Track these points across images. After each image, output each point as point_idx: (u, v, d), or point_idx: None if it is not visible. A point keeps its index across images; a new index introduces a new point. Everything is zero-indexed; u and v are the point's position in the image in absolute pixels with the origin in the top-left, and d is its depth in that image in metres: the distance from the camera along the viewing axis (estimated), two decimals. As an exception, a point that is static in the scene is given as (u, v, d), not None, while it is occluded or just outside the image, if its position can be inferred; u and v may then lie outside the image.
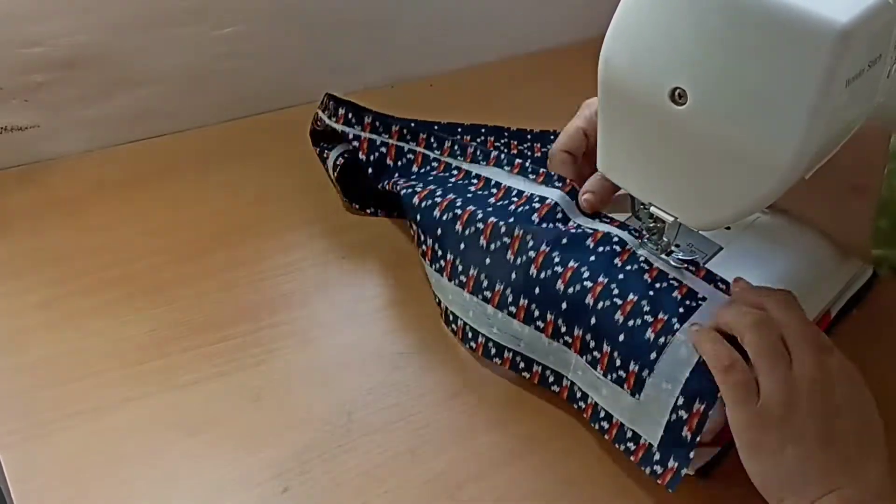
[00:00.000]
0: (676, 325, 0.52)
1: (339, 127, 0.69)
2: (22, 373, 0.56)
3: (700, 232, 0.58)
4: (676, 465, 0.50)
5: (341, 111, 0.69)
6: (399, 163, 0.69)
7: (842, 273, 0.62)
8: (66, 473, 0.51)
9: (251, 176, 0.74)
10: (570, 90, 0.87)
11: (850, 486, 0.45)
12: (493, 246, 0.59)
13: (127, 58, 0.73)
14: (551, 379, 0.57)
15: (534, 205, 0.61)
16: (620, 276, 0.54)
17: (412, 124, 0.80)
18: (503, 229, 0.59)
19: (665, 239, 0.55)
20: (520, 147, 0.80)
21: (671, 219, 0.52)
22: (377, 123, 0.69)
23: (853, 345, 0.62)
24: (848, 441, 0.46)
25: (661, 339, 0.51)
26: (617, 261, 0.56)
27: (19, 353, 0.57)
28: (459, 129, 0.80)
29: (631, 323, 0.52)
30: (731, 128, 0.44)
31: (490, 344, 0.59)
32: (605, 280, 0.54)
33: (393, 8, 0.84)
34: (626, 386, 0.52)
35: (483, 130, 0.81)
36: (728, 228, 0.59)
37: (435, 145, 0.69)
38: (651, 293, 0.53)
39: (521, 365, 0.58)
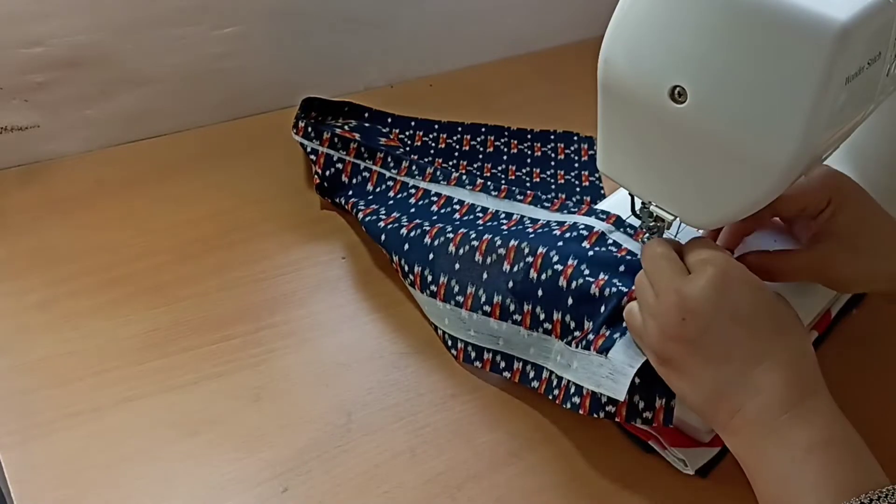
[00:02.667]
0: None
1: (298, 139, 0.71)
2: (22, 373, 0.56)
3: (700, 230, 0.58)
4: (664, 400, 0.51)
5: (301, 124, 0.71)
6: (354, 180, 0.70)
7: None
8: (66, 473, 0.51)
9: (251, 176, 0.74)
10: (570, 90, 0.88)
11: (748, 402, 0.44)
12: (461, 251, 0.59)
13: (127, 58, 0.73)
14: (532, 374, 0.57)
15: (501, 220, 0.62)
16: (590, 254, 0.55)
17: (412, 123, 0.81)
18: (472, 235, 0.60)
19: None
20: (520, 147, 0.80)
21: (671, 217, 0.52)
22: (335, 140, 0.70)
23: (853, 345, 0.62)
24: (729, 359, 0.45)
25: None
26: (585, 244, 0.56)
27: (19, 353, 0.57)
28: (460, 129, 0.81)
29: (607, 291, 0.53)
30: (730, 126, 0.44)
31: (469, 348, 0.59)
32: (575, 262, 0.55)
33: (393, 8, 0.84)
34: (592, 348, 0.52)
35: (483, 130, 0.81)
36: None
37: (392, 164, 0.69)
38: (622, 268, 0.54)
39: (502, 364, 0.58)
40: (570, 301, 0.54)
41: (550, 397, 0.56)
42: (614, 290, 0.53)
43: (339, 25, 0.82)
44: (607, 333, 0.52)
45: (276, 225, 0.70)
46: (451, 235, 0.60)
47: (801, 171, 0.44)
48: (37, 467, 0.51)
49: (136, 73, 0.74)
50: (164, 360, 0.58)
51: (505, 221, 0.62)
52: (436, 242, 0.61)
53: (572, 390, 0.54)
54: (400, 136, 0.78)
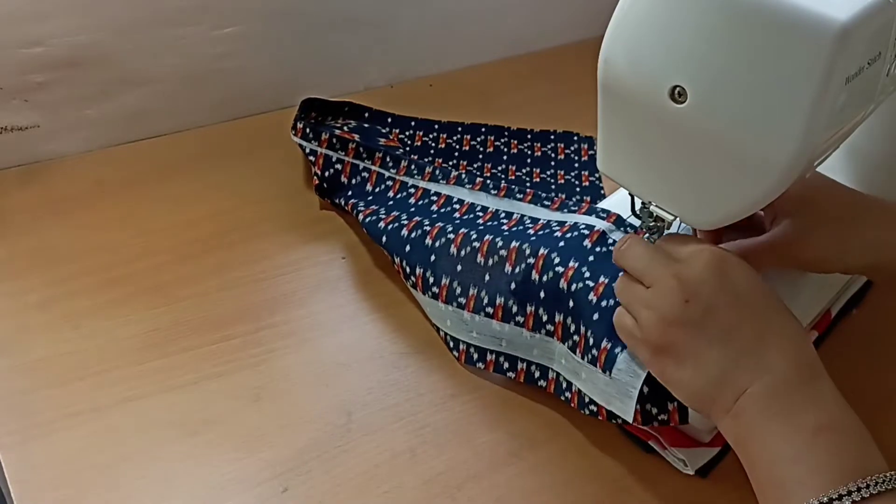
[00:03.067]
0: None
1: (296, 140, 0.71)
2: (22, 373, 0.56)
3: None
4: (676, 403, 0.51)
5: (299, 125, 0.71)
6: (353, 180, 0.70)
7: (842, 273, 0.62)
8: (66, 473, 0.51)
9: (251, 176, 0.74)
10: (570, 90, 0.88)
11: (756, 381, 0.43)
12: (463, 252, 0.59)
13: (127, 58, 0.73)
14: (537, 374, 0.57)
15: (501, 219, 0.62)
16: (591, 259, 0.55)
17: (412, 123, 0.81)
18: (473, 236, 0.59)
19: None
20: (520, 147, 0.80)
21: (671, 217, 0.52)
22: (334, 140, 0.70)
23: (853, 345, 0.62)
24: (735, 338, 0.44)
25: None
26: (586, 242, 0.56)
27: (19, 353, 0.57)
28: (460, 129, 0.81)
29: (604, 304, 0.53)
30: (730, 126, 0.44)
31: (471, 349, 0.59)
32: (576, 264, 0.55)
33: (393, 8, 0.84)
34: (598, 364, 0.52)
35: (483, 130, 0.81)
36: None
37: (391, 164, 0.69)
38: (621, 273, 0.54)
39: (505, 365, 0.58)
40: (570, 304, 0.54)
41: (563, 399, 0.56)
42: (612, 302, 0.52)
43: (339, 25, 0.82)
44: (608, 347, 0.52)
45: (276, 225, 0.70)
46: (451, 236, 0.60)
47: (801, 171, 0.44)
48: (37, 467, 0.51)
49: (136, 73, 0.74)
50: (164, 360, 0.58)
51: (505, 221, 0.62)
52: (437, 244, 0.61)
53: (587, 399, 0.54)
54: (400, 137, 0.78)
